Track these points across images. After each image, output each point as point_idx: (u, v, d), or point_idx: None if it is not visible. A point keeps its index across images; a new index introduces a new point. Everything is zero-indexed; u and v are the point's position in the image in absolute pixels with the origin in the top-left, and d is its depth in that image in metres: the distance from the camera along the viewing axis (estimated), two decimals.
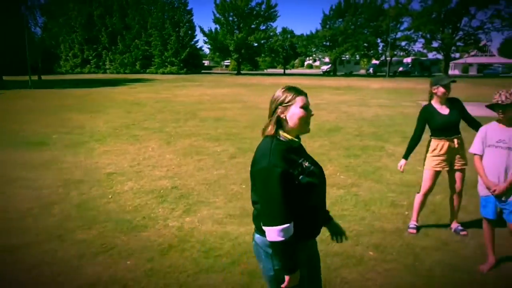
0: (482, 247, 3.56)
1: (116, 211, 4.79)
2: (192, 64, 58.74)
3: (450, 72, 75.19)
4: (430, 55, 62.80)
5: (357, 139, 9.26)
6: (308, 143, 8.82)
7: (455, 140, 3.94)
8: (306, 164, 1.92)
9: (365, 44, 55.19)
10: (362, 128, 10.68)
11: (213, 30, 58.29)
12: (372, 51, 55.77)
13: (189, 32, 59.53)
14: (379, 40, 55.60)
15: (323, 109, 14.77)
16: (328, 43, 56.20)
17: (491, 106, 3.28)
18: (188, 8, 60.12)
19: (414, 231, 4.12)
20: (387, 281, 3.23)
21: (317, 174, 1.93)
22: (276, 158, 1.83)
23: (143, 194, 5.41)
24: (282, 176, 1.79)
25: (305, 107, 1.95)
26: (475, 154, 3.41)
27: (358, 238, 3.99)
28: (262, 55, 62.25)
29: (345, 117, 12.81)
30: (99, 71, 60.79)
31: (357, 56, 56.32)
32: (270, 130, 1.95)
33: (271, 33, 57.67)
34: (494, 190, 3.23)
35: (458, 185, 4.05)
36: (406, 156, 4.17)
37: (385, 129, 10.58)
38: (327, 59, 64.79)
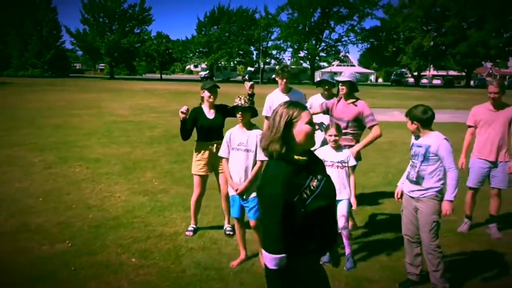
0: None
1: None
2: (58, 66, 53.71)
3: (318, 79, 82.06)
4: (305, 64, 67.58)
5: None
6: (144, 150, 8.70)
7: (215, 145, 4.16)
8: (314, 184, 1.87)
9: (240, 52, 57.03)
10: None
11: (81, 30, 54.25)
12: (246, 59, 57.88)
13: (54, 32, 54.48)
14: (252, 48, 58.03)
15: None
16: (204, 49, 56.67)
17: (235, 109, 3.55)
18: (52, 5, 55.05)
19: (191, 233, 4.26)
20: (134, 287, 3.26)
21: (326, 194, 1.90)
22: (282, 186, 1.78)
23: None
24: (285, 207, 1.76)
25: (310, 122, 1.91)
26: (223, 157, 3.65)
27: (130, 245, 3.97)
28: (137, 59, 60.01)
29: None
30: None
31: (232, 63, 57.85)
32: (278, 148, 1.86)
33: (146, 37, 55.98)
34: (237, 190, 3.50)
35: (223, 188, 4.21)
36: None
37: None
38: (203, 65, 65.37)
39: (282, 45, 57.58)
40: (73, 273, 3.43)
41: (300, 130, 1.89)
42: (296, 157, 1.88)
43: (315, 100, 4.95)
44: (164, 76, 66.94)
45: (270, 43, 58.77)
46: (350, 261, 3.64)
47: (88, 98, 21.85)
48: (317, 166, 2.00)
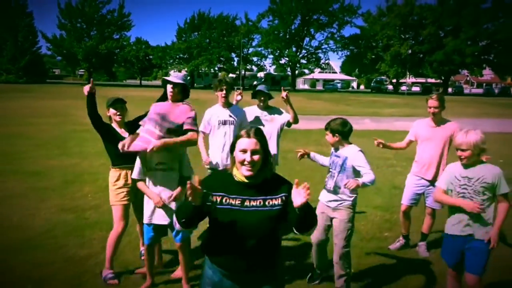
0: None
1: None
2: (34, 72, 52.64)
3: (301, 86, 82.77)
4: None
5: None
6: (93, 162, 8.34)
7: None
8: (229, 199, 2.01)
9: (220, 58, 56.89)
10: None
11: (58, 36, 53.37)
12: (227, 65, 57.78)
13: (30, 37, 53.48)
14: (233, 55, 57.95)
15: None
16: (184, 56, 56.39)
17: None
18: (28, 10, 54.06)
19: (116, 281, 3.56)
20: None
21: (235, 215, 1.99)
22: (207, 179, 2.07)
23: None
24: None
25: (243, 150, 2.00)
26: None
27: (30, 271, 3.68)
28: (115, 65, 59.29)
29: None
30: None
31: (212, 69, 57.67)
32: (229, 167, 2.11)
33: (125, 43, 55.42)
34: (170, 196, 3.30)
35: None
36: None
37: None
38: (184, 72, 64.97)
39: (263, 51, 57.78)
40: None
41: (235, 154, 2.03)
42: (235, 176, 2.05)
43: (250, 112, 4.76)
44: (144, 82, 66.35)
45: (251, 50, 58.98)
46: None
47: (56, 105, 21.31)
48: (267, 192, 2.03)
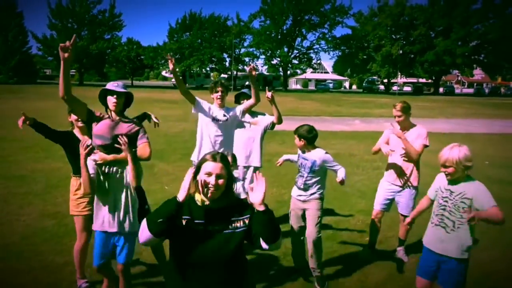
0: None
1: None
2: (24, 72, 52.17)
3: (293, 86, 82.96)
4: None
5: None
6: None
7: None
8: (195, 222, 2.00)
9: (212, 58, 56.80)
10: None
11: (48, 36, 52.95)
12: (218, 65, 57.68)
13: (20, 37, 52.97)
14: (225, 55, 57.91)
15: None
16: (176, 56, 56.20)
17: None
18: (18, 10, 53.55)
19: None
20: None
21: (198, 236, 1.99)
22: (170, 202, 1.96)
23: None
24: (169, 210, 1.93)
25: (208, 174, 2.01)
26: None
27: (6, 280, 3.65)
28: (107, 65, 58.94)
29: None
30: None
31: (204, 69, 57.57)
32: (191, 190, 2.01)
33: (116, 43, 55.14)
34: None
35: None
36: None
37: None
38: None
39: (254, 52, 57.77)
40: None
41: (199, 176, 2.03)
42: (197, 197, 2.06)
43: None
44: (136, 83, 66.02)
45: (242, 50, 58.89)
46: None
47: (46, 106, 21.09)
48: (230, 215, 2.05)
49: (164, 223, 1.92)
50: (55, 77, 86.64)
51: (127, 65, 58.52)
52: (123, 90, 3.13)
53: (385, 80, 61.87)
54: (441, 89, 66.26)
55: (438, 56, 53.01)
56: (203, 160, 2.08)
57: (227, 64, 58.55)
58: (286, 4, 53.31)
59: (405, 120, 4.17)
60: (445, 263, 2.87)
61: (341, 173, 3.64)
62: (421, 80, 68.69)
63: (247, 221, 2.05)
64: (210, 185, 2.00)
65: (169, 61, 3.91)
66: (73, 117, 3.57)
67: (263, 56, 58.47)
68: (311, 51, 58.96)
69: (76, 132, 3.64)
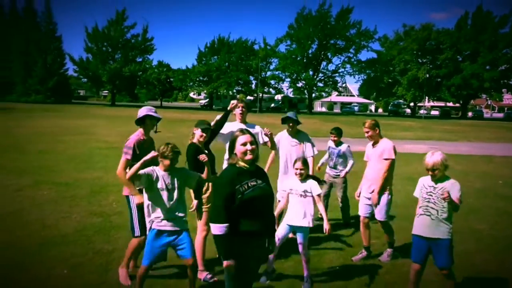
0: None
1: None
2: (61, 93, 55.07)
3: (318, 109, 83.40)
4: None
5: None
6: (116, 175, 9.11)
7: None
8: (252, 183, 2.73)
9: (239, 81, 58.28)
10: None
11: (84, 59, 55.94)
12: (245, 88, 59.02)
13: (58, 59, 56.20)
14: (251, 78, 59.30)
15: None
16: (204, 78, 58.06)
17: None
18: (57, 34, 57.04)
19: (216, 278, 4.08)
20: None
21: (260, 190, 2.76)
22: (226, 179, 2.76)
23: None
24: (224, 194, 2.68)
25: (244, 143, 2.76)
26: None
27: (67, 260, 4.40)
28: (138, 87, 61.36)
29: None
30: None
31: (231, 91, 59.00)
32: (231, 160, 2.85)
33: (147, 66, 57.51)
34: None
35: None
36: None
37: None
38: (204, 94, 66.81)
39: (280, 75, 58.89)
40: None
41: (237, 149, 2.79)
42: (239, 164, 2.79)
43: (281, 137, 5.31)
44: (165, 104, 68.26)
45: (268, 73, 60.14)
46: (308, 282, 4.01)
47: (82, 124, 22.53)
48: (260, 174, 2.88)
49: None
50: (88, 97, 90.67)
51: (157, 86, 60.76)
52: (160, 116, 4.22)
53: (412, 104, 61.62)
54: (470, 114, 65.34)
55: (465, 80, 52.64)
56: (235, 137, 2.84)
57: (253, 86, 59.87)
58: (312, 29, 54.44)
59: (374, 135, 4.80)
60: (436, 245, 3.55)
61: (349, 166, 6.15)
62: (449, 104, 67.95)
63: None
64: (248, 151, 2.75)
65: (235, 104, 4.75)
66: (198, 132, 4.18)
67: (288, 79, 59.60)
68: (337, 74, 59.71)
69: (195, 140, 4.23)
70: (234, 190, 2.68)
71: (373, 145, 4.85)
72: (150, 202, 3.51)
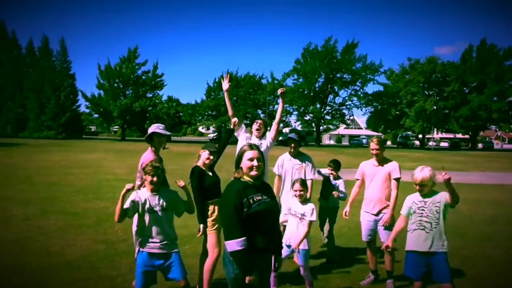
0: None
1: None
2: (72, 129, 55.98)
3: (326, 142, 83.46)
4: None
5: None
6: None
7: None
8: (258, 198, 2.70)
9: (247, 115, 58.91)
10: None
11: (96, 95, 57.22)
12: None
13: (71, 96, 57.49)
14: (260, 112, 59.95)
15: None
16: (212, 112, 58.83)
17: None
18: (71, 72, 58.70)
19: None
20: None
21: (266, 205, 2.73)
22: (233, 193, 2.69)
23: None
24: (235, 206, 2.62)
25: (251, 159, 2.77)
26: None
27: (70, 285, 4.35)
28: (148, 121, 62.19)
29: None
30: None
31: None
32: (236, 174, 2.84)
33: (157, 101, 58.54)
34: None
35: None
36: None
37: None
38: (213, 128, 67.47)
39: (288, 108, 59.42)
40: None
41: (243, 163, 2.79)
42: (245, 179, 2.79)
43: (284, 158, 5.37)
44: (174, 138, 68.86)
45: (276, 107, 60.73)
46: None
47: (91, 158, 22.78)
48: (265, 189, 2.87)
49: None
50: (99, 133, 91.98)
51: (166, 121, 61.52)
52: (168, 133, 4.31)
53: (420, 136, 61.44)
54: (480, 145, 64.83)
55: (473, 111, 52.62)
56: (242, 151, 2.85)
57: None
58: (318, 63, 55.39)
59: (381, 153, 4.70)
60: (434, 259, 3.48)
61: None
62: (458, 135, 67.62)
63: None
64: (254, 167, 2.76)
65: (225, 79, 4.84)
66: (205, 154, 4.23)
67: (296, 112, 60.09)
68: (344, 107, 60.19)
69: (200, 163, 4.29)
70: (242, 202, 2.64)
71: (380, 163, 4.72)
72: (137, 225, 3.51)
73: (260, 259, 2.70)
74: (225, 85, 5.18)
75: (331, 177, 5.75)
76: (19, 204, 8.88)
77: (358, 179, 4.98)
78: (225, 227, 2.66)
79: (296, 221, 4.09)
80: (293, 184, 4.27)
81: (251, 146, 2.86)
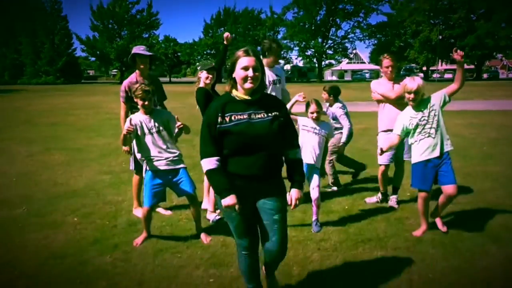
0: None
1: None
2: (71, 74, 55.12)
3: (329, 78, 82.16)
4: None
5: None
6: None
7: None
8: (236, 116, 2.23)
9: None
10: None
11: (91, 37, 55.66)
12: None
13: (65, 39, 55.95)
14: (259, 48, 58.34)
15: None
16: (211, 51, 57.48)
17: None
18: (63, 14, 56.60)
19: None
20: None
21: (243, 126, 2.22)
22: (210, 109, 2.30)
23: None
24: (207, 122, 2.26)
25: (245, 67, 2.21)
26: None
27: (78, 209, 4.44)
28: None
29: None
30: None
31: None
32: (227, 86, 2.33)
33: (154, 41, 57.03)
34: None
35: None
36: None
37: None
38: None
39: (288, 43, 57.86)
40: (19, 228, 3.94)
41: (236, 73, 2.23)
42: (233, 93, 2.30)
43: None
44: (174, 79, 67.99)
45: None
46: (317, 225, 3.93)
47: (91, 100, 22.63)
48: (266, 106, 2.30)
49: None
50: (98, 77, 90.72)
51: (165, 62, 60.39)
52: (149, 53, 4.13)
53: (424, 68, 60.20)
54: (485, 75, 63.64)
55: (479, 39, 50.95)
56: (236, 58, 2.26)
57: (261, 57, 59.00)
58: None
59: (394, 71, 4.47)
60: (443, 164, 3.59)
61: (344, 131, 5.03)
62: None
63: (285, 113, 2.38)
64: (248, 78, 2.21)
65: (227, 37, 4.24)
66: (204, 74, 4.07)
67: (297, 48, 58.55)
68: (346, 40, 58.40)
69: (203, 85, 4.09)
70: (216, 120, 2.24)
71: (393, 81, 4.48)
72: (137, 147, 3.56)
73: (239, 186, 2.28)
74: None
75: (327, 104, 5.23)
76: (21, 143, 8.92)
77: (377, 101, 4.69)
78: (200, 144, 2.32)
79: (310, 136, 3.99)
80: (307, 106, 4.08)
81: (247, 52, 2.25)
